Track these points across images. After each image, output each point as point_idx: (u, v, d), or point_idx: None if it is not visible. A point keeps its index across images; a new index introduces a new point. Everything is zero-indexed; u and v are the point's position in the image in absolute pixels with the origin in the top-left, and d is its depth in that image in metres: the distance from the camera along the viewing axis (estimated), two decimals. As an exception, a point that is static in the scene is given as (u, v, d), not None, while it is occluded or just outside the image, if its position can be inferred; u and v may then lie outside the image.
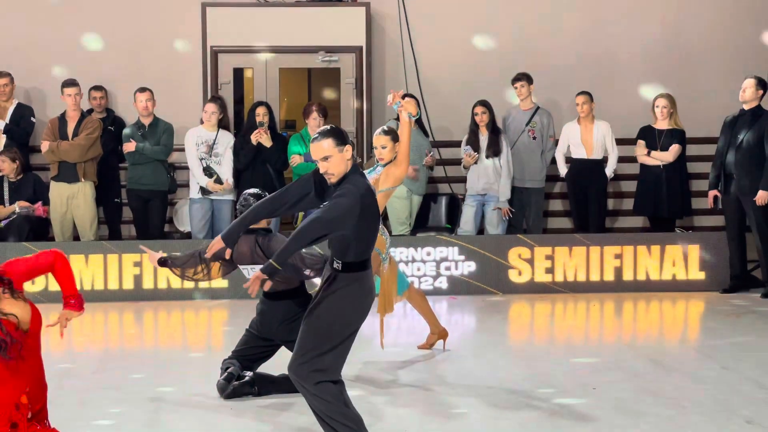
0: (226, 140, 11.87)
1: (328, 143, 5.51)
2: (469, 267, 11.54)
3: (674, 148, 12.02)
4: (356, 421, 5.59)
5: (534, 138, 12.31)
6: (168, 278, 11.29)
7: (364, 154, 12.77)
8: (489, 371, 8.09)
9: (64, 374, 8.15)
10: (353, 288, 5.60)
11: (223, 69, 13.02)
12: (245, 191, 7.62)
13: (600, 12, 13.45)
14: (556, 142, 12.44)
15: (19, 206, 11.88)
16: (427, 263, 11.54)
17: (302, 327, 5.68)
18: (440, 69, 13.30)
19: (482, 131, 11.98)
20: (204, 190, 11.74)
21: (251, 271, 7.31)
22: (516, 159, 12.13)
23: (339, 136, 5.55)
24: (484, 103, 11.94)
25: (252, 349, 7.56)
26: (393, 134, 8.15)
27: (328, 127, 5.62)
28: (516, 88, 12.32)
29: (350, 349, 5.68)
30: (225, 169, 11.77)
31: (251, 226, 6.51)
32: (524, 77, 12.32)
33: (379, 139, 8.14)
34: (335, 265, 5.62)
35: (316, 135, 5.59)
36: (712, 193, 11.61)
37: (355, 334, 5.69)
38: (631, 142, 12.47)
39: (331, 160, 5.50)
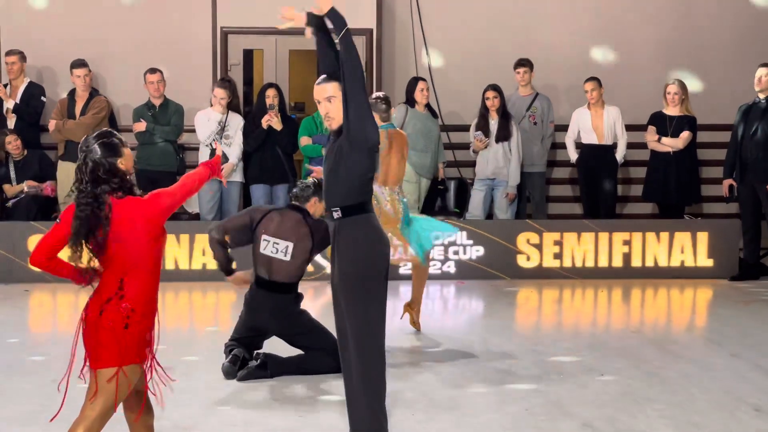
0: (236, 122, 11.85)
1: (333, 85, 5.53)
2: (477, 252, 11.53)
3: (685, 135, 11.98)
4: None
5: (535, 123, 12.32)
6: (176, 259, 11.29)
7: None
8: (496, 357, 8.08)
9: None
10: (364, 231, 5.49)
11: (233, 50, 12.99)
12: (301, 181, 7.77)
13: (611, -3, 13.40)
14: (558, 128, 12.43)
15: (27, 185, 11.88)
16: (435, 248, 11.50)
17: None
18: (450, 53, 13.26)
19: (492, 116, 11.95)
20: (213, 171, 11.71)
21: (274, 246, 7.32)
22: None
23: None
24: (496, 88, 11.91)
25: (245, 339, 7.57)
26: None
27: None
28: (519, 73, 12.30)
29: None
30: (235, 150, 11.74)
31: (298, 204, 7.43)
32: (526, 63, 12.32)
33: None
34: (335, 215, 5.53)
35: (322, 77, 5.60)
36: (728, 182, 11.59)
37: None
38: (641, 128, 12.42)
39: (335, 101, 5.50)
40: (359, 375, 5.44)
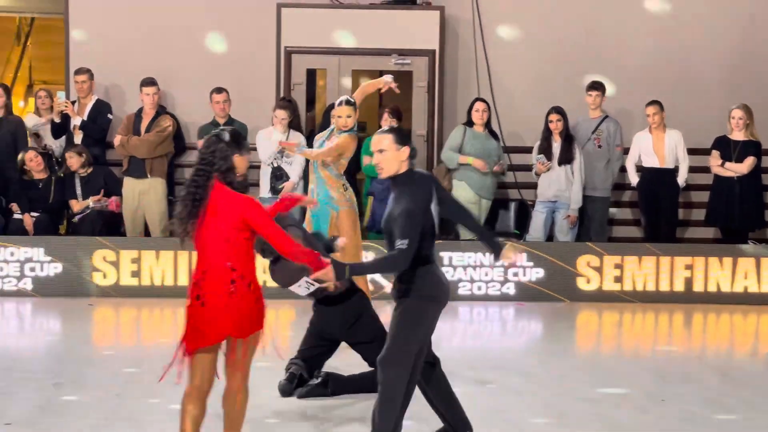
0: (297, 141, 11.92)
1: (389, 139, 5.81)
2: (537, 273, 11.49)
3: (749, 160, 11.88)
4: None
5: (599, 147, 12.20)
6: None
7: (434, 155, 12.76)
8: (555, 379, 8.05)
9: (135, 368, 8.25)
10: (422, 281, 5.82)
11: (297, 69, 13.10)
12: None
13: (675, 20, 13.29)
14: (625, 151, 12.34)
15: (92, 201, 12.04)
16: (495, 268, 11.50)
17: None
18: (513, 74, 13.24)
19: (555, 138, 11.93)
20: (274, 190, 11.81)
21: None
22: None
23: (400, 136, 5.85)
24: (559, 110, 11.89)
25: (314, 349, 7.61)
26: (354, 105, 9.01)
27: (395, 126, 5.79)
28: (591, 96, 12.22)
29: None
30: (296, 169, 11.82)
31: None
32: (599, 86, 12.24)
33: (343, 110, 8.94)
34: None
35: (382, 129, 5.97)
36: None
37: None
38: (705, 152, 12.33)
39: (385, 154, 5.79)
40: None
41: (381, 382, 5.86)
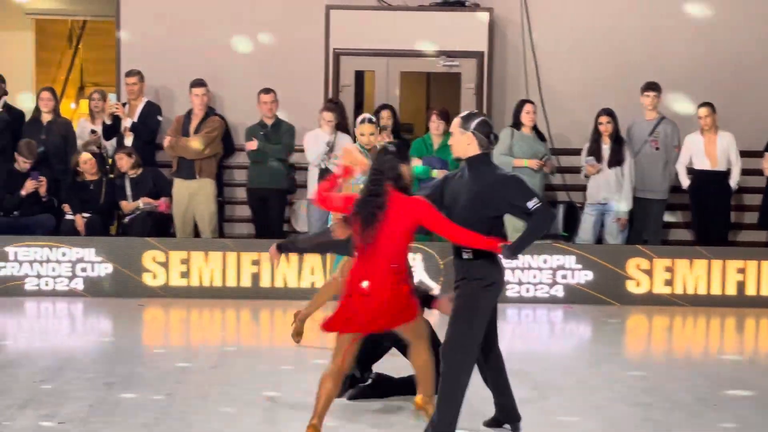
0: (345, 142, 11.93)
1: (455, 122, 6.21)
2: (586, 276, 11.43)
3: (803, 162, 11.75)
4: None
5: (657, 149, 12.10)
6: (285, 277, 11.42)
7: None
8: (605, 382, 7.99)
9: (185, 368, 8.30)
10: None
11: (345, 71, 13.12)
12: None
13: (726, 22, 13.16)
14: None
15: (142, 202, 12.13)
16: (543, 271, 11.46)
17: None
18: (561, 76, 13.18)
19: (605, 140, 11.86)
20: (323, 191, 11.82)
21: None
22: (637, 169, 11.96)
23: (466, 121, 6.16)
24: (609, 113, 11.82)
25: (363, 352, 7.61)
26: (377, 123, 9.41)
27: (473, 112, 6.29)
28: (648, 97, 12.11)
29: None
30: (343, 171, 11.83)
31: None
32: (655, 87, 12.12)
33: (367, 128, 9.18)
34: (465, 256, 6.06)
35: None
36: None
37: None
38: (757, 154, 12.20)
39: (452, 137, 6.21)
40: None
41: (444, 372, 6.00)
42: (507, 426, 6.54)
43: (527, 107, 11.97)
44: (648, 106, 12.15)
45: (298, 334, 9.14)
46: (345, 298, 6.18)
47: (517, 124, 11.95)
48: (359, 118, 9.35)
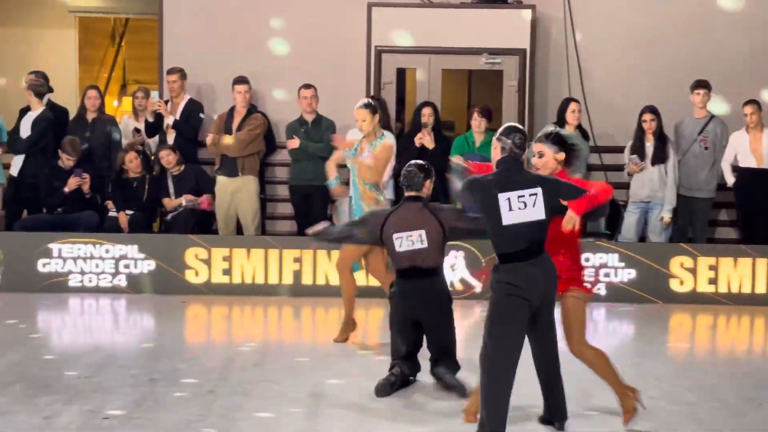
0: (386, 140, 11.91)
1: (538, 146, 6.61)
2: (629, 274, 11.35)
3: None
4: None
5: (706, 148, 11.98)
6: (327, 275, 11.43)
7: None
8: (649, 381, 7.93)
9: (227, 365, 8.33)
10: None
11: (387, 69, 13.11)
12: (410, 161, 7.91)
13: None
14: (727, 152, 12.12)
15: (185, 199, 12.18)
16: (585, 269, 11.36)
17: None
18: (605, 73, 13.09)
19: (648, 138, 11.77)
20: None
21: (408, 239, 7.48)
22: (685, 168, 11.86)
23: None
24: (653, 110, 11.73)
25: (402, 339, 7.63)
26: (371, 108, 9.17)
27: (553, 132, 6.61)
28: (698, 95, 11.99)
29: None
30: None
31: (413, 194, 7.63)
32: (705, 84, 12.00)
33: (360, 113, 9.12)
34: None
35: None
36: None
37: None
38: (803, 151, 12.07)
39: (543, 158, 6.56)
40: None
41: (480, 376, 6.13)
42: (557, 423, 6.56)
43: (572, 106, 11.91)
44: (698, 104, 12.02)
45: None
46: None
47: (561, 122, 11.89)
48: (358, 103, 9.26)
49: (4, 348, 8.82)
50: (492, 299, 6.17)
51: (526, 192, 6.08)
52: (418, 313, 7.57)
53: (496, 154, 6.27)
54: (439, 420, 6.87)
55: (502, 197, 6.07)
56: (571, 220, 6.17)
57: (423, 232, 7.49)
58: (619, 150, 12.33)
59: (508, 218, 6.08)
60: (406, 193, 7.69)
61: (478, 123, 11.83)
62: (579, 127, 12.02)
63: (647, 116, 11.74)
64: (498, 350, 6.09)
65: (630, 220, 11.87)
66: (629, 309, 11.04)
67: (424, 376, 7.77)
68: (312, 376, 8.01)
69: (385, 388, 7.40)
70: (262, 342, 9.53)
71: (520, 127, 6.36)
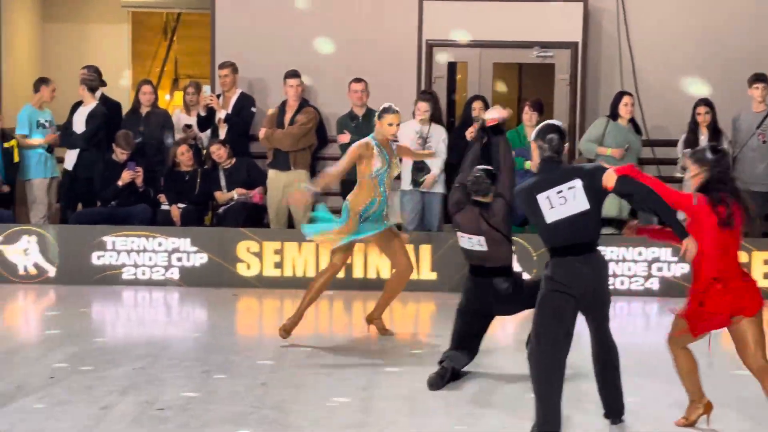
0: (439, 134, 11.92)
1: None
2: (683, 269, 11.25)
3: None
4: None
5: (764, 142, 11.83)
6: (378, 269, 11.45)
7: (576, 150, 12.61)
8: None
9: (279, 358, 8.38)
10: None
11: (437, 62, 13.10)
12: (477, 167, 7.88)
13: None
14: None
15: (237, 193, 12.24)
16: (638, 263, 11.32)
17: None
18: (658, 66, 12.99)
19: (702, 131, 11.67)
20: (415, 182, 11.82)
21: (469, 240, 7.62)
22: (742, 162, 11.73)
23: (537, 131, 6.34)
24: (707, 103, 11.63)
25: (466, 326, 7.69)
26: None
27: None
28: (757, 89, 11.82)
29: None
30: (437, 162, 11.81)
31: (478, 199, 7.66)
32: (763, 78, 11.83)
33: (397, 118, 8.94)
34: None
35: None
36: None
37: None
38: None
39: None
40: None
41: (531, 375, 6.16)
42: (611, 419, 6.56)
43: (625, 99, 11.82)
44: (757, 98, 11.85)
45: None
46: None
47: (614, 115, 11.81)
48: (386, 107, 8.98)
49: (61, 340, 8.93)
50: (539, 294, 6.17)
51: (564, 186, 6.09)
52: (488, 308, 7.72)
53: (535, 155, 6.28)
54: (490, 413, 6.87)
55: (541, 197, 6.11)
56: (609, 177, 6.05)
57: (482, 239, 7.62)
58: (672, 143, 12.23)
59: (550, 216, 6.10)
60: (473, 197, 7.78)
61: (529, 117, 11.78)
62: (632, 121, 11.93)
63: (701, 109, 11.63)
64: (544, 350, 6.09)
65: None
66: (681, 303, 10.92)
67: (475, 368, 7.78)
68: (364, 368, 8.03)
69: (437, 381, 7.41)
70: (314, 334, 9.56)
71: (557, 125, 6.31)
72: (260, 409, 6.86)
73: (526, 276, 10.66)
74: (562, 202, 6.07)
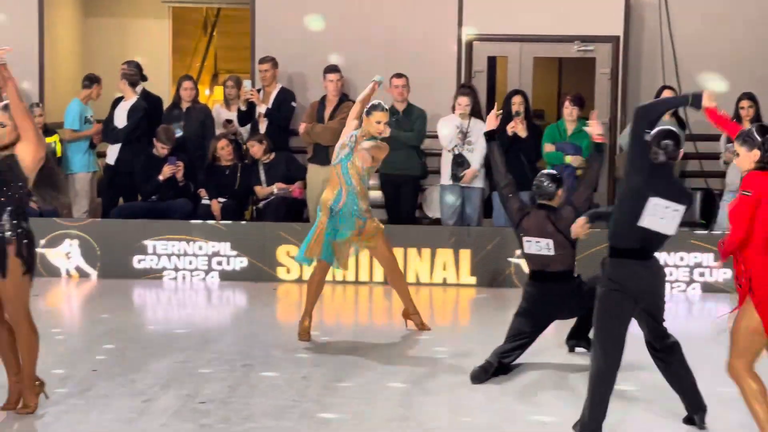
0: (479, 128, 11.88)
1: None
2: (725, 274, 11.07)
3: None
4: None
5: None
6: (417, 273, 11.40)
7: (617, 145, 12.53)
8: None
9: (320, 351, 8.39)
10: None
11: (478, 57, 13.06)
12: (542, 171, 8.03)
13: None
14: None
15: (277, 188, 12.26)
16: (679, 268, 11.22)
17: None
18: (700, 60, 12.87)
19: (745, 125, 11.55)
20: (455, 177, 11.79)
21: (537, 244, 7.68)
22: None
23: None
24: (751, 96, 11.53)
25: (521, 325, 7.71)
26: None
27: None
28: None
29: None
30: (477, 156, 11.77)
31: (543, 202, 7.77)
32: None
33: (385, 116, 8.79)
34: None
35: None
36: None
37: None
38: None
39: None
40: None
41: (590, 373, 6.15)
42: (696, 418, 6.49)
43: (667, 93, 11.72)
44: None
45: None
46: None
47: (657, 109, 11.72)
48: (375, 104, 8.92)
49: (104, 335, 8.98)
50: (598, 294, 6.11)
51: (673, 205, 6.00)
52: (549, 312, 7.76)
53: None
54: (530, 409, 6.84)
55: (653, 201, 5.96)
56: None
57: (551, 242, 7.66)
58: (715, 138, 12.12)
59: (645, 221, 5.99)
60: (538, 200, 7.85)
61: (569, 111, 11.71)
62: (675, 115, 11.84)
63: (744, 103, 11.53)
64: (604, 349, 6.05)
65: (725, 209, 11.65)
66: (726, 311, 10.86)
67: (519, 363, 7.76)
68: (404, 362, 8.02)
69: (480, 375, 7.40)
70: (354, 328, 9.57)
71: (674, 130, 6.10)
72: (301, 403, 6.87)
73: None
74: (662, 217, 6.00)
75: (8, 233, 6.32)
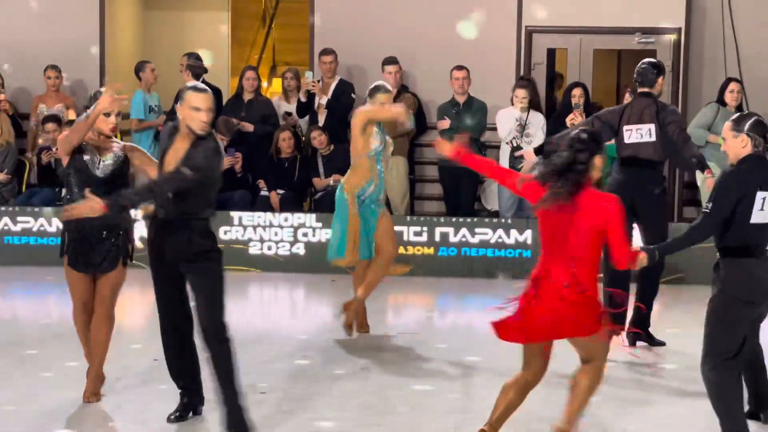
0: (538, 120, 11.84)
1: (727, 125, 5.80)
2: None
3: None
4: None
5: None
6: (470, 256, 11.40)
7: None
8: None
9: (380, 344, 8.40)
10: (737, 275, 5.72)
11: (537, 49, 12.99)
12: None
13: None
14: None
15: (333, 180, 12.28)
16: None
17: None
18: (763, 53, 12.71)
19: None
20: (513, 168, 11.74)
21: (637, 132, 8.27)
22: None
23: (738, 123, 5.78)
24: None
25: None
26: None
27: (740, 114, 5.89)
28: None
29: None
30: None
31: (647, 90, 8.19)
32: None
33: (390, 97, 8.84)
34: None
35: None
36: None
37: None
38: None
39: (725, 142, 5.82)
40: None
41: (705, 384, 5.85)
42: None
43: (732, 86, 11.59)
44: None
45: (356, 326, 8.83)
46: (523, 299, 5.53)
47: (720, 103, 11.59)
48: (373, 87, 8.89)
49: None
50: (717, 304, 5.75)
51: None
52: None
53: (736, 146, 5.78)
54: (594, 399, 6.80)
55: (760, 195, 5.75)
56: None
57: (652, 127, 8.15)
58: (778, 131, 11.96)
59: (756, 217, 5.76)
60: (639, 88, 8.53)
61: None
62: (739, 108, 11.69)
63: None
64: (715, 354, 5.75)
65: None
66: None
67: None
68: (464, 354, 8.01)
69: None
70: (415, 322, 9.57)
71: (762, 119, 5.91)
72: (361, 395, 6.88)
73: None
74: None
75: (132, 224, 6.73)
